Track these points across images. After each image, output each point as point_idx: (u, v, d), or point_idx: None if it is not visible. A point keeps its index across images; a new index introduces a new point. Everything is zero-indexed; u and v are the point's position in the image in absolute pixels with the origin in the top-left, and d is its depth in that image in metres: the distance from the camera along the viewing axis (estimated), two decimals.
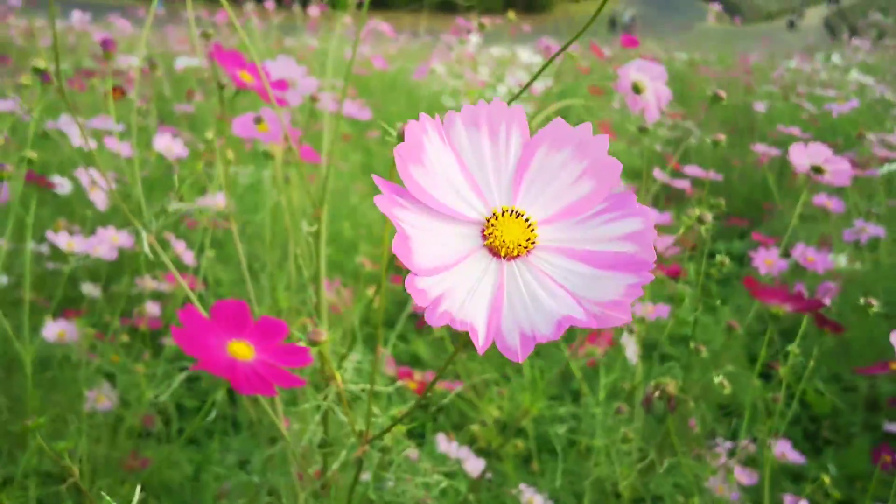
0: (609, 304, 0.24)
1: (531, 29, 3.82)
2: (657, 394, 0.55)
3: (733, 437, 1.02)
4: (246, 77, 0.56)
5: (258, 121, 0.66)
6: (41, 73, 0.73)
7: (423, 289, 0.23)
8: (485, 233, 0.26)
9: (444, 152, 0.26)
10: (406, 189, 0.24)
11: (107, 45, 0.71)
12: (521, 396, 0.63)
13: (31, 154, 0.70)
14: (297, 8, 3.01)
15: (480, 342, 0.24)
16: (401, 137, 0.34)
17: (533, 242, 0.26)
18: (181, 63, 1.50)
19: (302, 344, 0.35)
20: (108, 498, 0.32)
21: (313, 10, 2.25)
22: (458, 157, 0.26)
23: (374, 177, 0.24)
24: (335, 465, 0.47)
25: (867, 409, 1.54)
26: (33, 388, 0.81)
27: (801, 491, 0.92)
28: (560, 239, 0.27)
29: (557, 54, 0.48)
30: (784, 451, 1.19)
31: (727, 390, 0.60)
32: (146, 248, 0.47)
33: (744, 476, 1.10)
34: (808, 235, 1.95)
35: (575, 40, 0.45)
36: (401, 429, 0.39)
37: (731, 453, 0.88)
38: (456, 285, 0.24)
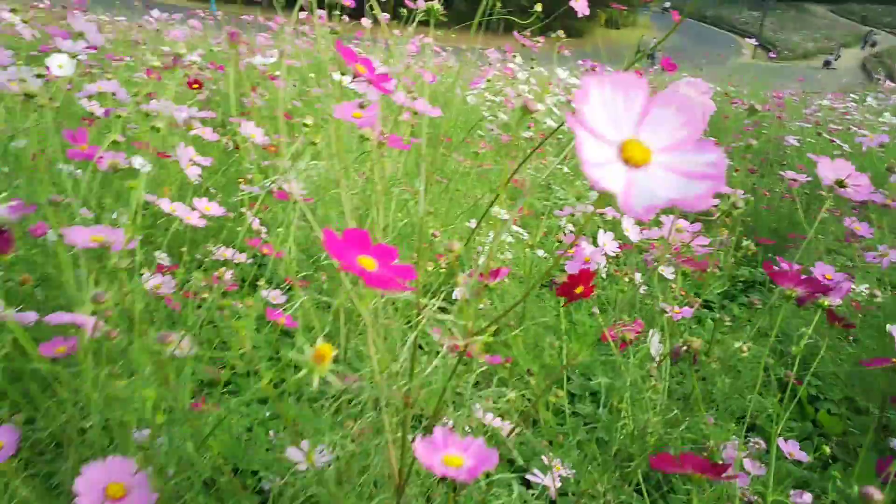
0: (697, 197, 0.38)
1: (570, 53, 3.95)
2: (685, 348, 0.65)
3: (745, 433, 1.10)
4: (360, 69, 0.69)
5: (361, 106, 0.79)
6: (177, 58, 0.87)
7: (590, 174, 0.37)
8: (620, 148, 0.40)
9: (599, 99, 0.40)
10: (580, 117, 0.39)
11: (233, 36, 0.85)
12: (572, 345, 0.74)
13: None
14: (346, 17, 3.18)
15: (620, 203, 0.38)
16: (524, 109, 0.49)
17: (649, 160, 0.40)
18: (258, 61, 1.66)
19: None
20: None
21: (365, 21, 2.40)
22: (605, 104, 0.40)
23: (566, 115, 0.37)
24: (428, 370, 0.58)
25: (878, 432, 1.60)
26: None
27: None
28: (666, 162, 0.41)
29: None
30: (792, 450, 1.27)
31: (746, 355, 0.70)
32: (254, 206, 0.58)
33: (752, 468, 1.17)
34: (830, 264, 2.02)
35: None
36: (488, 339, 0.51)
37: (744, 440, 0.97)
38: (606, 174, 0.38)
